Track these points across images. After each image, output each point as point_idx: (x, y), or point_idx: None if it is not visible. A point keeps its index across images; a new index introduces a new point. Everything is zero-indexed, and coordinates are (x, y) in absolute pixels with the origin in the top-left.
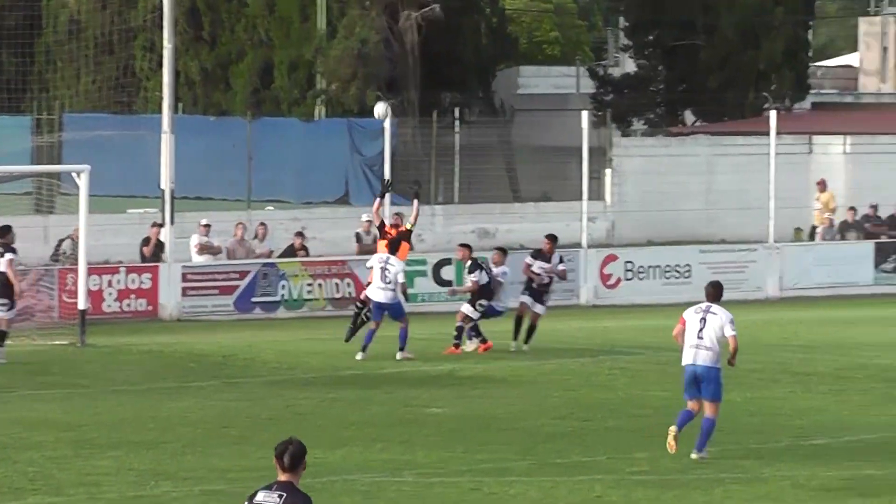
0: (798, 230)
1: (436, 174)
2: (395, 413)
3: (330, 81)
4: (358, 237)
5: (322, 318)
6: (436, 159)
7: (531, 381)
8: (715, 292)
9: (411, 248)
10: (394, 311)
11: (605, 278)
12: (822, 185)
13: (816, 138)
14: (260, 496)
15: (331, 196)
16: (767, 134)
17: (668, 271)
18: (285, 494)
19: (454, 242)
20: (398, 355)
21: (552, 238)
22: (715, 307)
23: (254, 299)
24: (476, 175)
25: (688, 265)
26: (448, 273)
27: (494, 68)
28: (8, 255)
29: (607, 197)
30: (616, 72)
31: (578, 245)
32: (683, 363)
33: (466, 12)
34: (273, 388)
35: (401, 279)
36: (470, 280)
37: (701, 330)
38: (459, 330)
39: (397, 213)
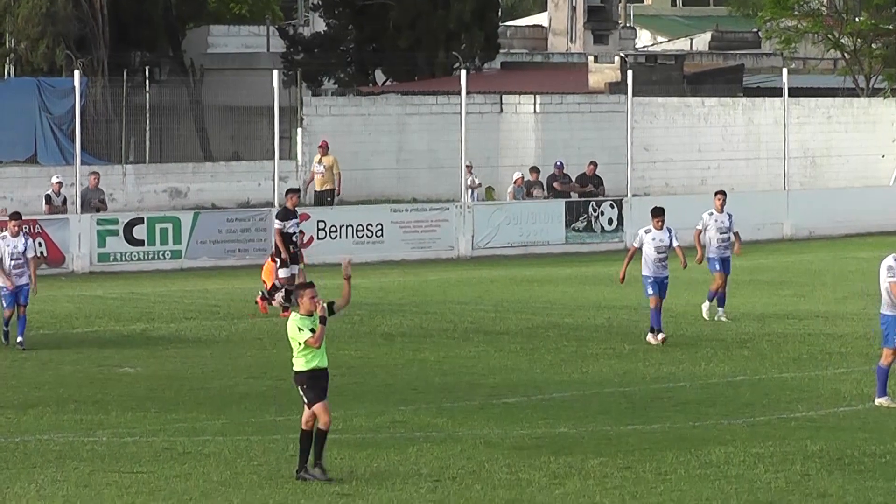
0: (489, 189)
1: (126, 134)
2: (88, 373)
3: (18, 41)
4: (48, 198)
5: None
6: (126, 119)
7: (225, 341)
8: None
9: None
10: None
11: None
12: (324, 148)
13: (507, 98)
14: None
15: (21, 155)
16: (458, 93)
17: (361, 230)
18: None
19: (146, 202)
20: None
21: (295, 192)
22: None
23: None
24: (167, 134)
25: (380, 224)
26: (140, 232)
27: (184, 28)
28: None
29: (298, 156)
30: (306, 31)
31: (270, 204)
32: None
33: None
34: None
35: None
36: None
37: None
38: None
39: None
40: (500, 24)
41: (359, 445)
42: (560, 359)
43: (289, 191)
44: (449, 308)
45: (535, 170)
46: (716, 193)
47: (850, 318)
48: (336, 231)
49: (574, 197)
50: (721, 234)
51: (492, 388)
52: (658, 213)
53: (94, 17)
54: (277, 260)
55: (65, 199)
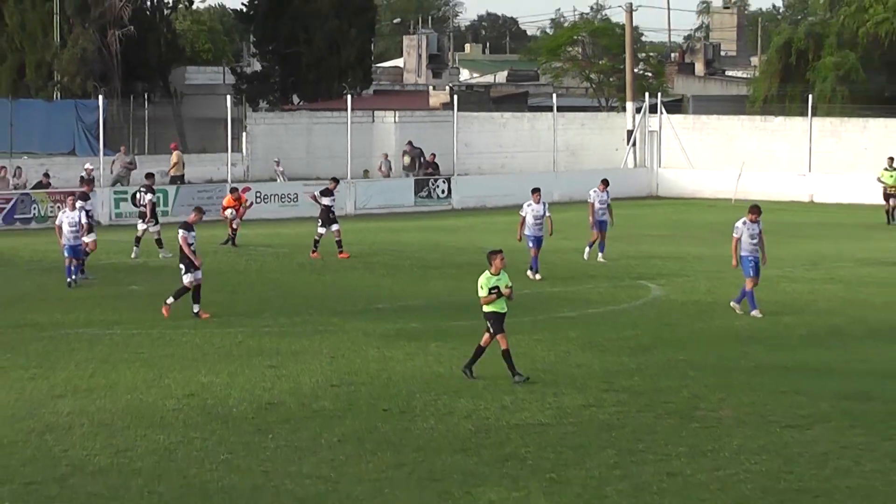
0: (366, 171)
1: (132, 136)
2: (108, 290)
3: (63, 76)
4: (82, 178)
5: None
6: (133, 127)
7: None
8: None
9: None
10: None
11: (243, 201)
12: (175, 148)
13: (377, 113)
14: None
15: (64, 150)
16: (346, 110)
17: (283, 199)
18: None
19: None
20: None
21: (335, 180)
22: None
23: (15, 216)
24: (160, 136)
25: (295, 194)
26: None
27: (170, 67)
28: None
29: (244, 150)
30: (248, 70)
31: (225, 181)
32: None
33: (151, 31)
34: (29, 273)
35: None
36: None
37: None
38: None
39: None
40: (373, 65)
41: (282, 335)
42: (412, 279)
43: (332, 179)
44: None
45: (427, 165)
46: (601, 181)
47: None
48: (268, 199)
49: (420, 175)
50: (601, 205)
51: (368, 298)
52: (536, 190)
53: (111, 60)
54: (320, 221)
55: (93, 178)
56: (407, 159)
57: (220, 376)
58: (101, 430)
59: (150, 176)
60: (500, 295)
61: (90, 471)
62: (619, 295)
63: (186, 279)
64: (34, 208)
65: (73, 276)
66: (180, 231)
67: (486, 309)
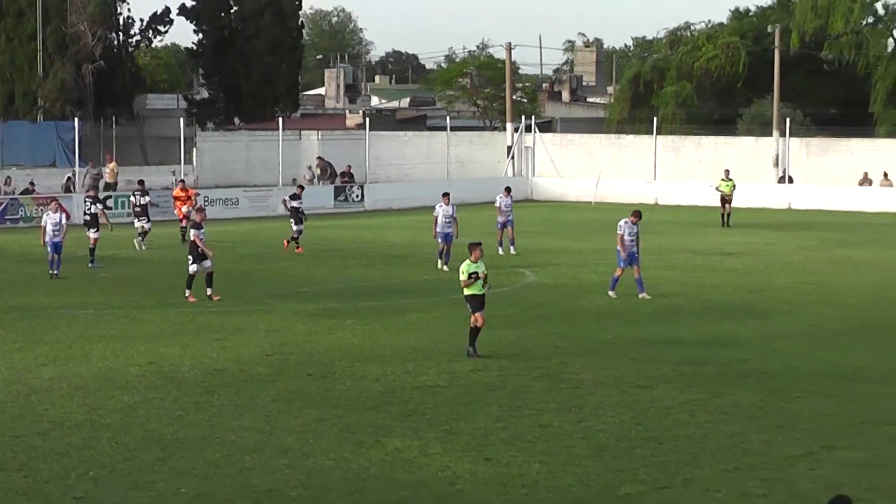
0: (294, 180)
1: (103, 153)
2: (82, 277)
3: (45, 102)
4: (65, 185)
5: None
6: (103, 145)
7: (157, 259)
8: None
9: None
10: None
11: (193, 204)
12: (110, 159)
13: (304, 132)
14: None
15: (47, 162)
16: (277, 130)
17: (227, 201)
18: None
19: (125, 188)
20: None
21: (301, 187)
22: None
23: (6, 217)
24: (125, 151)
25: (236, 197)
26: (111, 202)
27: (134, 95)
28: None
29: (194, 163)
30: (198, 97)
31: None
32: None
33: (118, 65)
34: (17, 264)
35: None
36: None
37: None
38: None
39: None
40: (300, 93)
41: (226, 314)
42: (333, 267)
43: (299, 185)
44: (274, 241)
45: (343, 174)
46: (505, 188)
47: (493, 245)
48: (215, 202)
49: (339, 182)
50: (506, 208)
51: (296, 283)
52: (446, 194)
53: (86, 89)
54: (293, 220)
55: (98, 185)
56: (318, 170)
57: (174, 348)
58: (77, 392)
59: (142, 182)
60: (476, 279)
61: (68, 426)
62: (501, 280)
63: (192, 269)
64: (21, 210)
65: (56, 271)
66: (192, 231)
67: (465, 292)
